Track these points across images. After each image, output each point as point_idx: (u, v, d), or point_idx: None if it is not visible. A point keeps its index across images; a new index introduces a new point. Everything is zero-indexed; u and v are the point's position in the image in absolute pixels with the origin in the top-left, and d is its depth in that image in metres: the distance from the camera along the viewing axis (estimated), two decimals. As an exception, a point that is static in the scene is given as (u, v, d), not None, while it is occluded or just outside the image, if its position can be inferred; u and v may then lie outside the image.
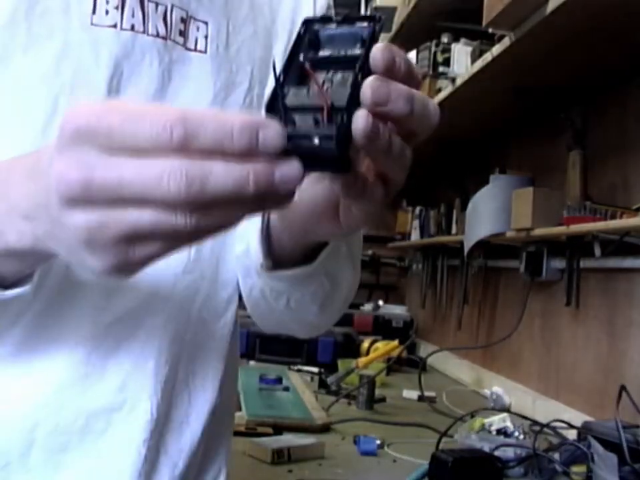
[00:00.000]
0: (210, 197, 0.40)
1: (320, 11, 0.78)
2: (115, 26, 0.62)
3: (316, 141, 0.43)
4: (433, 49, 2.18)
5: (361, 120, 0.43)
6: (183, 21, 0.66)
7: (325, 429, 1.75)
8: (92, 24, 0.62)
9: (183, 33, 0.66)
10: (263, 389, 2.13)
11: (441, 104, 2.15)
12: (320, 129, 0.43)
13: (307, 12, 0.76)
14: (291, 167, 0.41)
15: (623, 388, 1.44)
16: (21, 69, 0.61)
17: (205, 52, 0.68)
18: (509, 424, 1.54)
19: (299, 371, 2.52)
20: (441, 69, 2.17)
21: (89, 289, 0.64)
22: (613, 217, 1.57)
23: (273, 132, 0.41)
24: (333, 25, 0.48)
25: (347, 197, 0.49)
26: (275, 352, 2.64)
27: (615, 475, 1.27)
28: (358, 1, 3.44)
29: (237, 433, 1.64)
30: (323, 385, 2.25)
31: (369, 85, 0.43)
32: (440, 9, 2.30)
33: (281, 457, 1.46)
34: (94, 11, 0.62)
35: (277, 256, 0.63)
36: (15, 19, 0.60)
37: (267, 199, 0.41)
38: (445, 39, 2.20)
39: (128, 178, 0.40)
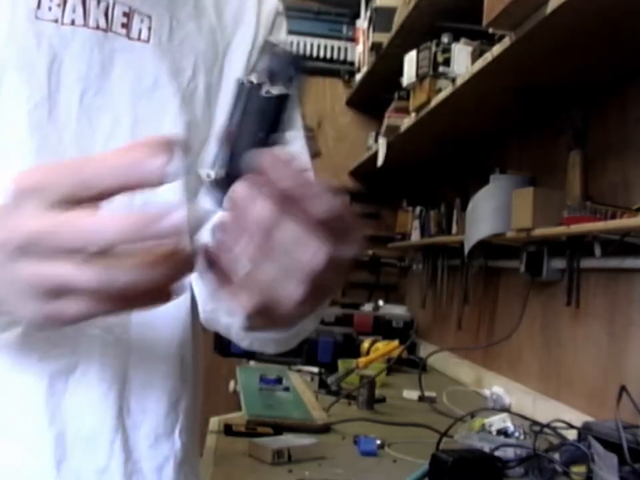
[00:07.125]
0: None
1: (266, 18, 0.83)
2: (56, 21, 0.71)
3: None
4: (433, 48, 2.17)
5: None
6: (126, 14, 0.74)
7: (325, 429, 1.75)
8: (36, 17, 0.70)
9: (126, 25, 0.74)
10: (263, 389, 2.13)
11: (441, 104, 2.16)
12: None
13: (251, 15, 0.83)
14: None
15: (623, 388, 1.44)
16: None
17: (148, 41, 0.75)
18: (509, 424, 1.54)
19: (299, 371, 2.52)
20: (441, 69, 2.17)
21: None
22: (614, 217, 1.56)
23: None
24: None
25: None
26: (275, 352, 2.63)
27: (615, 475, 1.26)
28: (358, 1, 3.44)
29: (237, 433, 1.64)
30: (323, 385, 2.25)
31: None
32: (440, 8, 2.30)
33: (281, 457, 1.46)
34: (38, 7, 0.70)
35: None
36: None
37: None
38: (445, 39, 2.19)
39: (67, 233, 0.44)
